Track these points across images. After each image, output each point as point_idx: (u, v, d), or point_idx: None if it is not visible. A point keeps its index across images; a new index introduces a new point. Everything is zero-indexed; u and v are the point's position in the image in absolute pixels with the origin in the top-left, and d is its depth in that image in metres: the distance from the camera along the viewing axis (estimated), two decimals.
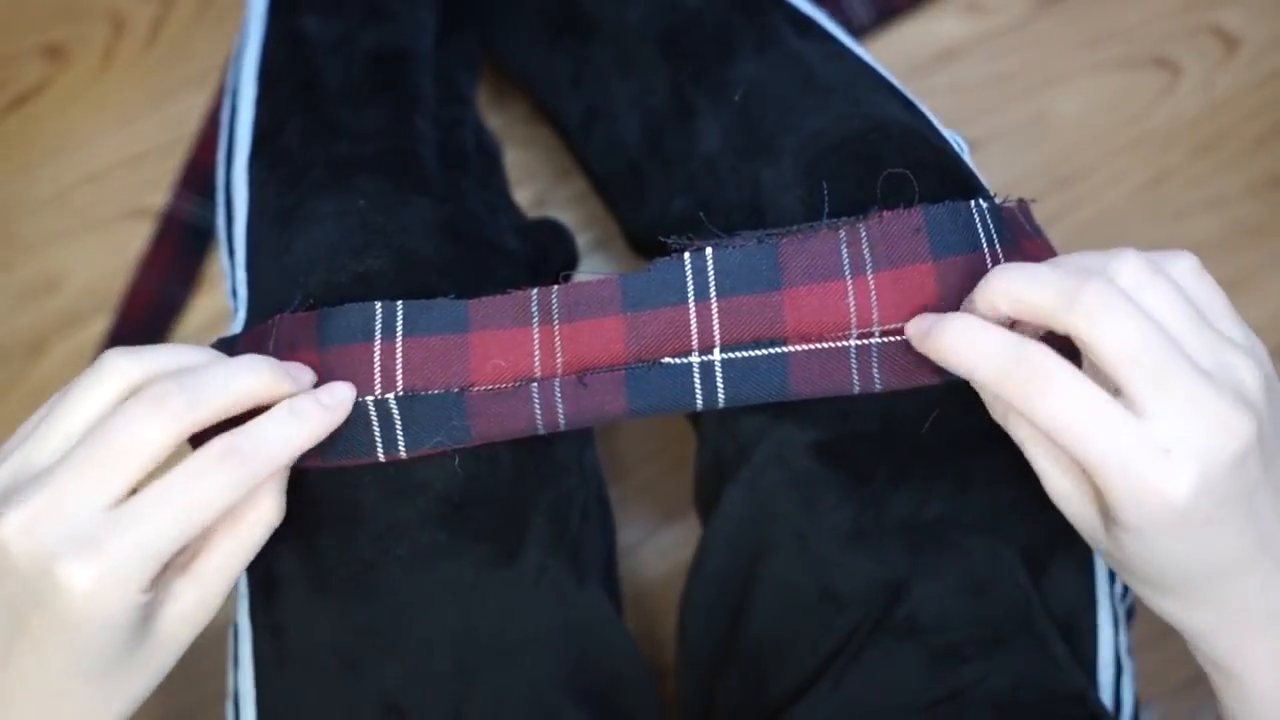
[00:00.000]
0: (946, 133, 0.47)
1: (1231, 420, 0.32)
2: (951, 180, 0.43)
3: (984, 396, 0.38)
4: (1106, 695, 0.45)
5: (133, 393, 0.35)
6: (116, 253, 0.79)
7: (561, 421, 0.40)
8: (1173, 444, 0.32)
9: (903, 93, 0.47)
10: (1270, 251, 0.79)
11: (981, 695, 0.41)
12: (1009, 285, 0.35)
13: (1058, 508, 0.37)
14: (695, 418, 0.52)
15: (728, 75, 0.47)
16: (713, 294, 0.39)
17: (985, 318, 0.36)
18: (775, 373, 0.40)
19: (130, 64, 0.82)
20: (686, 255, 0.40)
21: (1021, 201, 0.43)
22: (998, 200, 0.42)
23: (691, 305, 0.39)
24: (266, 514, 0.37)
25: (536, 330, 0.40)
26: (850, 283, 0.39)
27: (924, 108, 0.47)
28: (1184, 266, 0.36)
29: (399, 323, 0.39)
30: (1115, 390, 0.33)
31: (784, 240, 0.39)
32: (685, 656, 0.51)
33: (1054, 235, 0.45)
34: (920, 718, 0.42)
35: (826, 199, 0.42)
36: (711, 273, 0.39)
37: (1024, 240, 0.42)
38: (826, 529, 0.43)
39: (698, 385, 0.40)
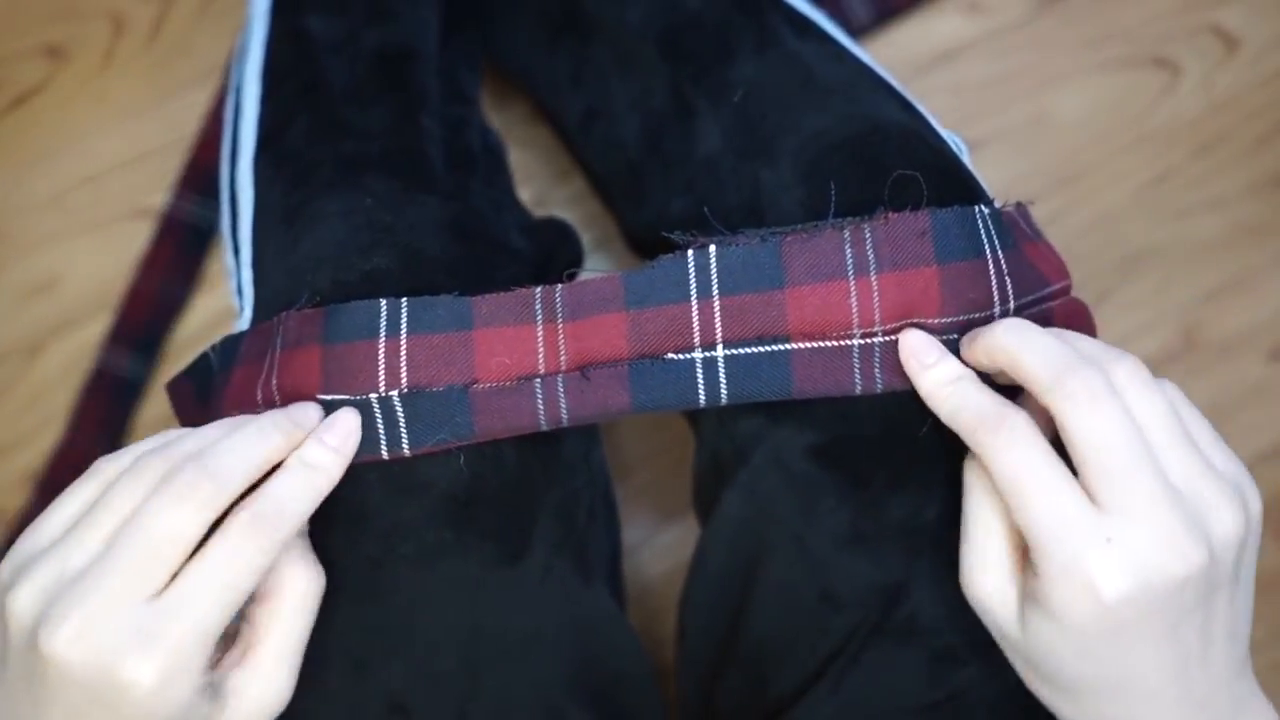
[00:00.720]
0: (945, 133, 0.47)
1: (1181, 544, 0.32)
2: (950, 182, 0.43)
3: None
4: None
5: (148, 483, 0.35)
6: (116, 253, 0.79)
7: (564, 417, 0.40)
8: (1117, 538, 0.32)
9: (902, 94, 0.47)
10: (1271, 251, 0.79)
11: (980, 697, 0.42)
12: (1008, 342, 0.36)
13: (967, 579, 0.37)
14: (694, 419, 0.52)
15: (727, 76, 0.47)
16: (715, 291, 0.39)
17: (977, 363, 0.38)
18: (778, 370, 0.40)
19: (130, 63, 0.82)
20: (690, 252, 0.40)
21: (1020, 205, 0.43)
22: (998, 204, 0.42)
23: (694, 302, 0.39)
24: (303, 584, 0.37)
25: (540, 328, 0.40)
26: (853, 283, 0.39)
27: (923, 109, 0.48)
28: (1178, 392, 0.36)
29: (403, 319, 0.39)
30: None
31: (787, 239, 0.39)
32: (685, 657, 0.51)
33: (1054, 235, 0.45)
34: (919, 719, 0.42)
35: (825, 199, 0.42)
36: (714, 270, 0.39)
37: (1025, 244, 0.42)
38: (825, 531, 0.43)
39: (700, 381, 0.40)
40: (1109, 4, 0.83)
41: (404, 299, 0.40)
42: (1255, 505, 0.35)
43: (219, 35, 0.81)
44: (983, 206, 0.41)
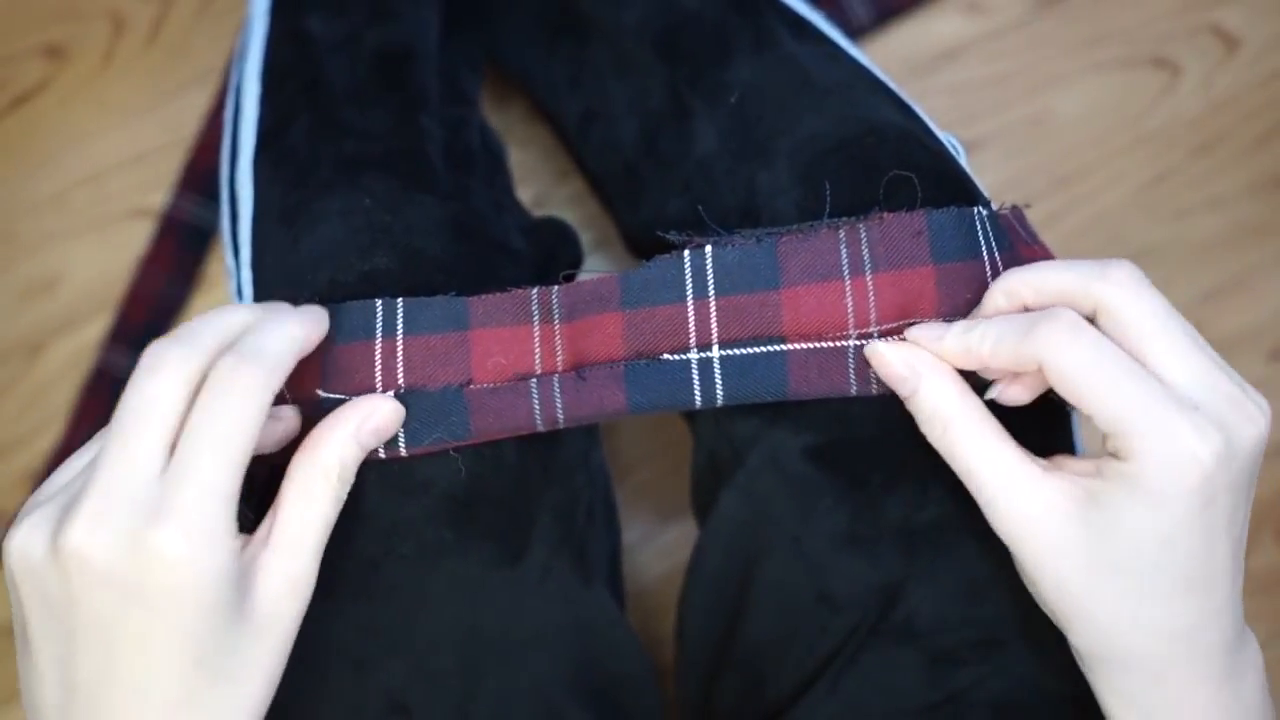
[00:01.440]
0: (942, 134, 0.47)
1: (1246, 406, 0.33)
2: (946, 184, 0.43)
3: (919, 420, 0.38)
4: None
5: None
6: (116, 253, 0.79)
7: (560, 418, 0.40)
8: (1200, 403, 0.33)
9: (899, 96, 0.47)
10: (1271, 251, 0.79)
11: (979, 698, 0.41)
12: (1031, 276, 0.36)
13: (1004, 513, 0.36)
14: (691, 420, 0.52)
15: (724, 77, 0.47)
16: (711, 292, 0.39)
17: (995, 308, 0.38)
18: (773, 371, 0.40)
19: (130, 64, 0.82)
20: (686, 253, 0.40)
21: (1016, 207, 0.43)
22: (995, 206, 0.42)
23: (690, 303, 0.39)
24: (330, 465, 0.37)
25: (537, 328, 0.40)
26: (848, 283, 0.39)
27: (920, 110, 0.48)
28: None
29: (399, 320, 0.40)
30: None
31: (783, 239, 0.39)
32: (683, 659, 0.51)
33: (1054, 235, 0.45)
34: None
35: (822, 201, 0.42)
36: (710, 270, 0.39)
37: (1021, 247, 0.42)
38: (822, 532, 0.43)
39: (696, 382, 0.40)
40: (1108, 4, 0.83)
41: (399, 299, 0.40)
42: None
43: (219, 35, 0.81)
44: (980, 208, 0.41)
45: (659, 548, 0.76)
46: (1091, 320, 0.35)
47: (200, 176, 0.79)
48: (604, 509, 0.49)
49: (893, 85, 0.48)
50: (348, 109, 0.47)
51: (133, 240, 0.79)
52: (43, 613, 0.33)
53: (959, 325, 0.38)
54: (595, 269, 0.79)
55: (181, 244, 0.79)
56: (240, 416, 0.34)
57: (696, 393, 0.40)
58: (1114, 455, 0.34)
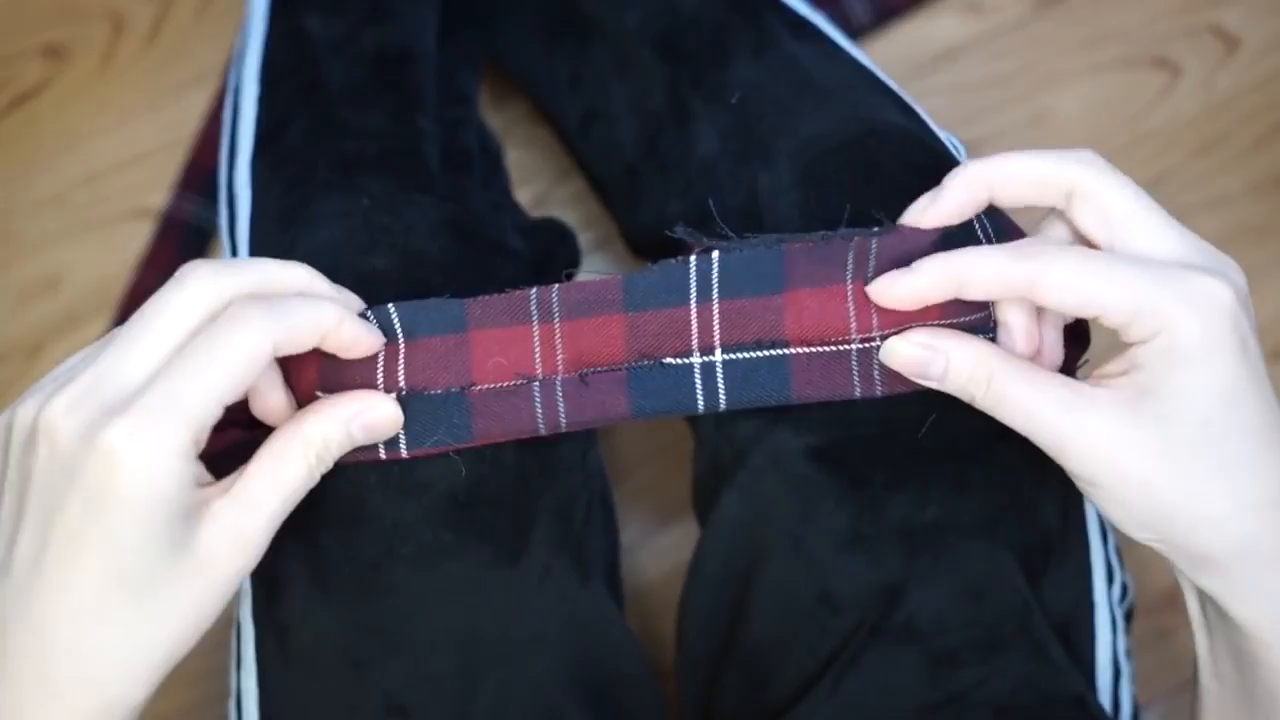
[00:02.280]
0: (943, 134, 0.47)
1: (1227, 259, 0.35)
2: None
3: (960, 386, 0.37)
4: (1105, 698, 0.46)
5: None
6: (116, 253, 0.79)
7: (563, 421, 0.40)
8: (1192, 264, 0.34)
9: (899, 96, 0.47)
10: (1271, 251, 0.79)
11: (980, 699, 0.42)
12: (998, 163, 0.38)
13: (1083, 468, 0.35)
14: (693, 421, 0.52)
15: (725, 78, 0.47)
16: (715, 295, 0.39)
17: (957, 206, 0.38)
18: (776, 375, 0.40)
19: (130, 64, 0.82)
20: (692, 259, 0.40)
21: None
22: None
23: (693, 305, 0.39)
24: (307, 434, 0.36)
25: (536, 328, 0.40)
26: (850, 287, 0.39)
27: (920, 110, 0.47)
28: None
29: (397, 328, 0.39)
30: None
31: (792, 246, 0.39)
32: (684, 659, 0.51)
33: None
34: None
35: (823, 202, 0.42)
36: (715, 276, 0.39)
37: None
38: (823, 533, 0.43)
39: (699, 387, 0.40)
40: (1108, 4, 0.83)
41: (392, 306, 0.39)
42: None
43: (218, 36, 0.82)
44: (982, 214, 0.40)
45: (659, 548, 0.76)
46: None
47: (200, 176, 0.79)
48: (602, 509, 0.49)
49: (893, 85, 0.48)
50: (346, 109, 0.47)
51: (133, 240, 0.80)
52: (12, 478, 0.34)
53: (928, 268, 0.37)
54: (595, 269, 0.79)
55: (181, 244, 0.79)
56: (235, 355, 0.33)
57: (699, 398, 0.40)
58: (1141, 342, 0.34)
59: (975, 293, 0.36)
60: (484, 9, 0.61)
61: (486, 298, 0.40)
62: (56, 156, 0.81)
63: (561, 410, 0.40)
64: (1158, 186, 0.81)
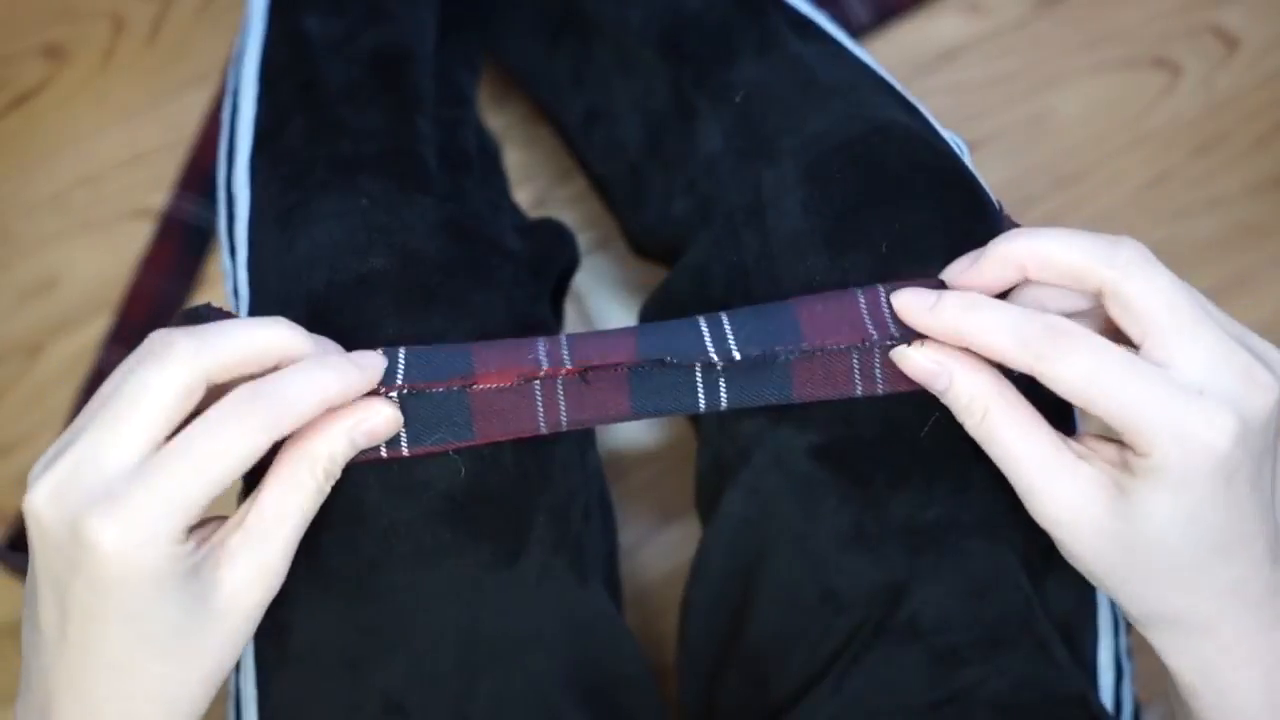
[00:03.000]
0: (946, 134, 0.47)
1: (1258, 376, 0.34)
2: (953, 182, 0.43)
3: (957, 410, 0.38)
4: (1107, 698, 0.46)
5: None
6: (116, 253, 0.79)
7: (564, 420, 0.40)
8: (1207, 386, 0.33)
9: (903, 95, 0.47)
10: (1270, 251, 0.79)
11: (982, 697, 0.41)
12: (1037, 245, 0.36)
13: (1042, 505, 0.37)
14: (695, 420, 0.52)
15: (729, 77, 0.47)
16: (732, 344, 0.40)
17: (994, 278, 0.38)
18: (778, 375, 0.40)
19: (130, 63, 0.82)
20: (700, 318, 0.40)
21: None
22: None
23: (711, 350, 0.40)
24: (320, 472, 0.36)
25: (540, 392, 0.40)
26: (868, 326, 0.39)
27: (924, 109, 0.48)
28: None
29: (400, 375, 0.39)
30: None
31: (801, 302, 0.40)
32: (686, 657, 0.51)
33: None
34: (921, 719, 0.42)
35: (827, 200, 0.42)
36: (729, 330, 0.40)
37: None
38: (827, 531, 0.43)
39: (700, 386, 0.40)
40: (1108, 4, 0.83)
41: (401, 352, 0.39)
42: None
43: (218, 35, 0.82)
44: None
45: (659, 548, 0.76)
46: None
47: (200, 176, 0.79)
48: (600, 509, 0.49)
49: (897, 84, 0.48)
50: (344, 109, 0.47)
51: (133, 240, 0.79)
52: (30, 554, 0.34)
53: (957, 301, 0.37)
54: (596, 269, 0.79)
55: (181, 244, 0.79)
56: (233, 450, 0.33)
57: (701, 397, 0.40)
58: (1132, 449, 0.35)
59: (983, 353, 0.37)
60: (483, 9, 0.61)
61: (494, 345, 0.40)
62: (56, 156, 0.81)
63: (563, 409, 0.40)
64: (1158, 186, 0.81)
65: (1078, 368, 0.34)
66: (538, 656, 0.43)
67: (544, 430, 0.40)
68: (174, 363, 0.33)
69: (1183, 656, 0.37)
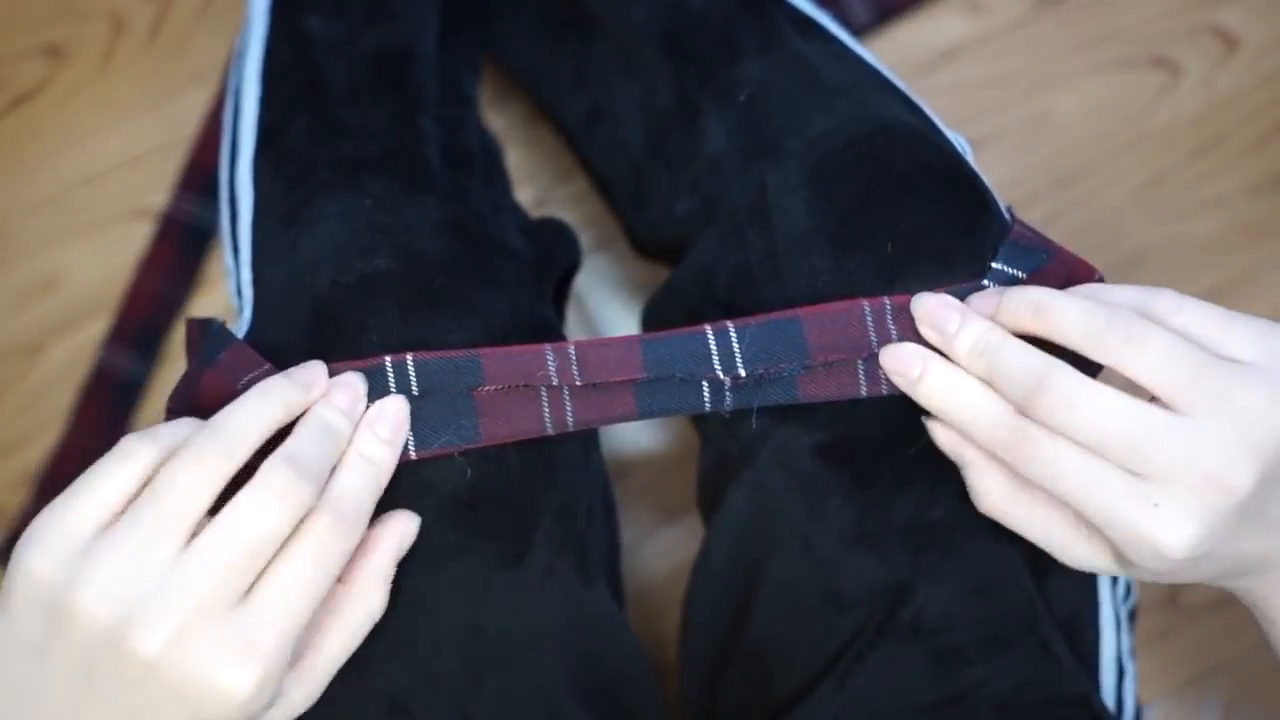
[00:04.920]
0: (949, 133, 0.47)
1: (1223, 478, 0.34)
2: (957, 182, 0.43)
3: (966, 477, 0.40)
4: (1109, 697, 0.46)
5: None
6: (116, 253, 0.79)
7: (570, 421, 0.40)
8: (1161, 500, 0.34)
9: (907, 94, 0.47)
10: (1270, 251, 0.79)
11: (985, 697, 0.42)
12: (1041, 316, 0.37)
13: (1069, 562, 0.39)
14: (698, 419, 0.52)
15: (732, 76, 0.47)
16: (738, 361, 0.40)
17: (1003, 326, 0.38)
18: (783, 380, 0.40)
19: (130, 64, 0.82)
20: (707, 328, 0.40)
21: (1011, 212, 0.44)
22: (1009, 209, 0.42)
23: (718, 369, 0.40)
24: (374, 608, 0.38)
25: (546, 397, 0.40)
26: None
27: (927, 109, 0.48)
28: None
29: (413, 385, 0.40)
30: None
31: (808, 314, 0.40)
32: (688, 656, 0.51)
33: (1054, 235, 0.45)
34: (924, 719, 0.42)
35: (832, 200, 0.42)
36: (735, 344, 0.40)
37: (1049, 266, 0.42)
38: (831, 530, 0.43)
39: (705, 387, 0.40)
40: (1108, 4, 0.83)
41: (409, 360, 0.40)
42: None
43: (219, 35, 0.81)
44: (987, 281, 0.41)
45: (659, 547, 0.76)
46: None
47: (200, 176, 0.79)
48: (602, 509, 0.49)
49: (900, 84, 0.48)
50: (347, 109, 0.47)
51: (133, 240, 0.79)
52: (75, 664, 0.33)
53: (978, 336, 0.38)
54: (597, 269, 0.79)
55: (181, 244, 0.79)
56: (331, 572, 0.35)
57: (706, 398, 0.40)
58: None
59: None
60: (484, 8, 0.61)
61: (504, 364, 0.40)
62: (56, 156, 0.81)
63: (568, 409, 0.40)
64: (1158, 186, 0.81)
65: (1040, 473, 0.36)
66: (542, 656, 0.43)
67: (550, 431, 0.40)
68: (287, 503, 0.34)
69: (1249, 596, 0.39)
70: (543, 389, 0.40)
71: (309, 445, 0.36)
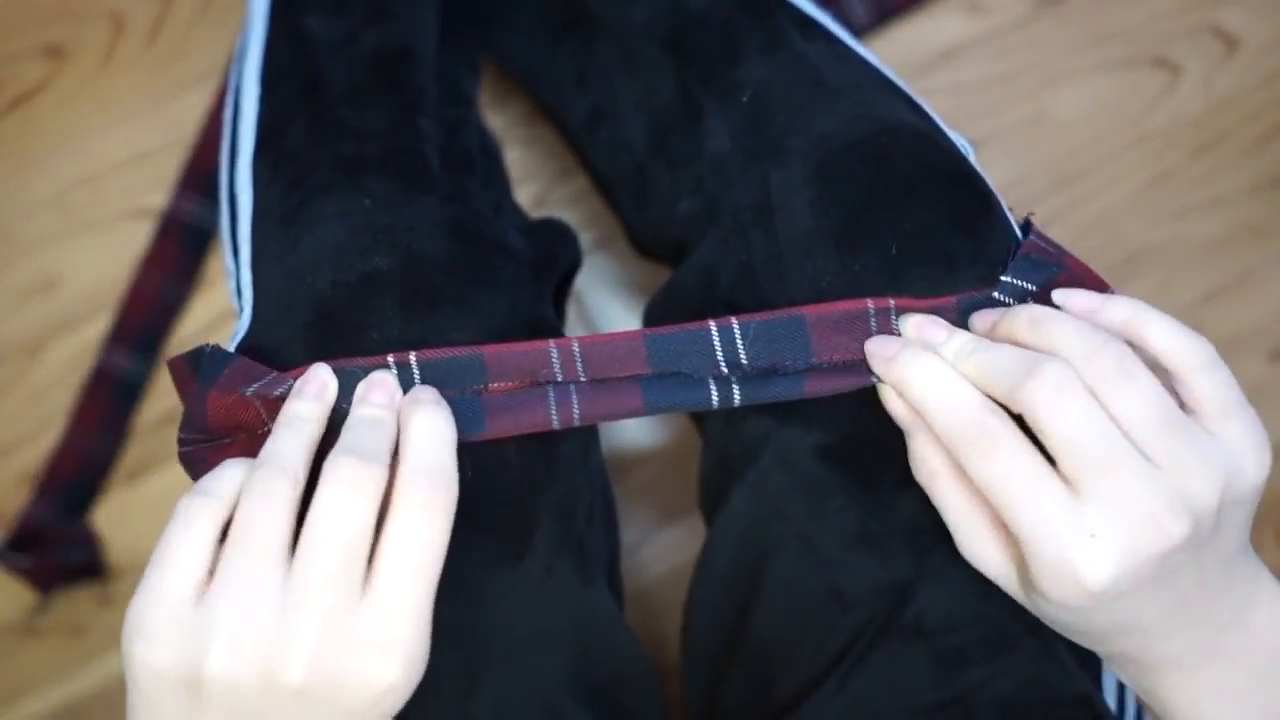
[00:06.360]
0: (951, 134, 0.47)
1: (1163, 521, 0.34)
2: (959, 183, 0.43)
3: (910, 444, 0.40)
4: (1111, 699, 0.46)
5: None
6: (116, 253, 0.79)
7: (576, 415, 0.40)
8: (1099, 530, 0.34)
9: (909, 95, 0.47)
10: (1271, 251, 0.79)
11: (987, 697, 0.41)
12: (972, 351, 0.38)
13: (962, 552, 0.39)
14: (701, 420, 0.52)
15: (735, 76, 0.47)
16: (742, 357, 0.40)
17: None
18: (790, 376, 0.40)
19: (130, 64, 0.82)
20: (711, 322, 0.40)
21: (1029, 224, 0.44)
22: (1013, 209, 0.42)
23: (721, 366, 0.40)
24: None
25: (553, 395, 0.40)
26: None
27: (929, 109, 0.48)
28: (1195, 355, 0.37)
29: (415, 380, 0.40)
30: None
31: (812, 314, 0.40)
32: (690, 656, 0.51)
33: (1054, 235, 0.45)
34: (925, 719, 0.42)
35: (836, 200, 0.42)
36: (739, 339, 0.40)
37: (1059, 277, 0.42)
38: (833, 530, 0.43)
39: (712, 383, 0.40)
40: (1109, 4, 0.83)
41: (413, 359, 0.40)
42: (1256, 460, 0.36)
43: (219, 36, 0.81)
44: (997, 293, 0.41)
45: (659, 548, 0.76)
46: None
47: (200, 176, 0.79)
48: (603, 508, 0.49)
49: (903, 85, 0.48)
50: (346, 110, 0.47)
51: (133, 240, 0.79)
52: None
53: (964, 346, 0.38)
54: (597, 269, 0.79)
55: (181, 244, 0.79)
56: (440, 545, 0.35)
57: (713, 393, 0.40)
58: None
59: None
60: (484, 8, 0.61)
61: (508, 361, 0.40)
62: (56, 156, 0.81)
63: (575, 404, 0.40)
64: (1158, 186, 0.81)
65: (992, 472, 0.35)
66: (541, 656, 0.43)
67: (556, 425, 0.40)
68: (366, 492, 0.35)
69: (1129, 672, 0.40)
70: (549, 386, 0.40)
71: (362, 435, 0.36)
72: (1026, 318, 0.38)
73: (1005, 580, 0.38)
